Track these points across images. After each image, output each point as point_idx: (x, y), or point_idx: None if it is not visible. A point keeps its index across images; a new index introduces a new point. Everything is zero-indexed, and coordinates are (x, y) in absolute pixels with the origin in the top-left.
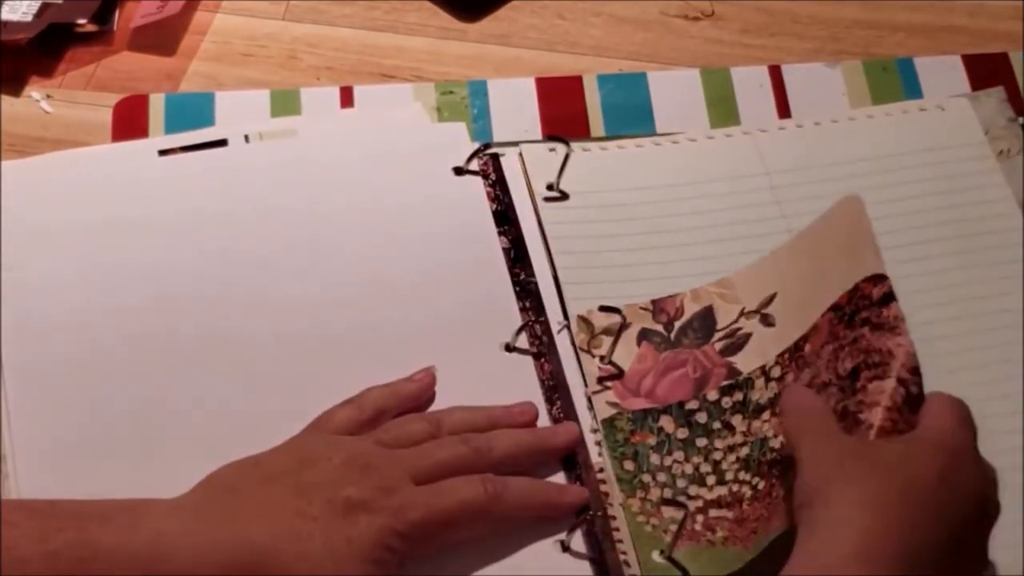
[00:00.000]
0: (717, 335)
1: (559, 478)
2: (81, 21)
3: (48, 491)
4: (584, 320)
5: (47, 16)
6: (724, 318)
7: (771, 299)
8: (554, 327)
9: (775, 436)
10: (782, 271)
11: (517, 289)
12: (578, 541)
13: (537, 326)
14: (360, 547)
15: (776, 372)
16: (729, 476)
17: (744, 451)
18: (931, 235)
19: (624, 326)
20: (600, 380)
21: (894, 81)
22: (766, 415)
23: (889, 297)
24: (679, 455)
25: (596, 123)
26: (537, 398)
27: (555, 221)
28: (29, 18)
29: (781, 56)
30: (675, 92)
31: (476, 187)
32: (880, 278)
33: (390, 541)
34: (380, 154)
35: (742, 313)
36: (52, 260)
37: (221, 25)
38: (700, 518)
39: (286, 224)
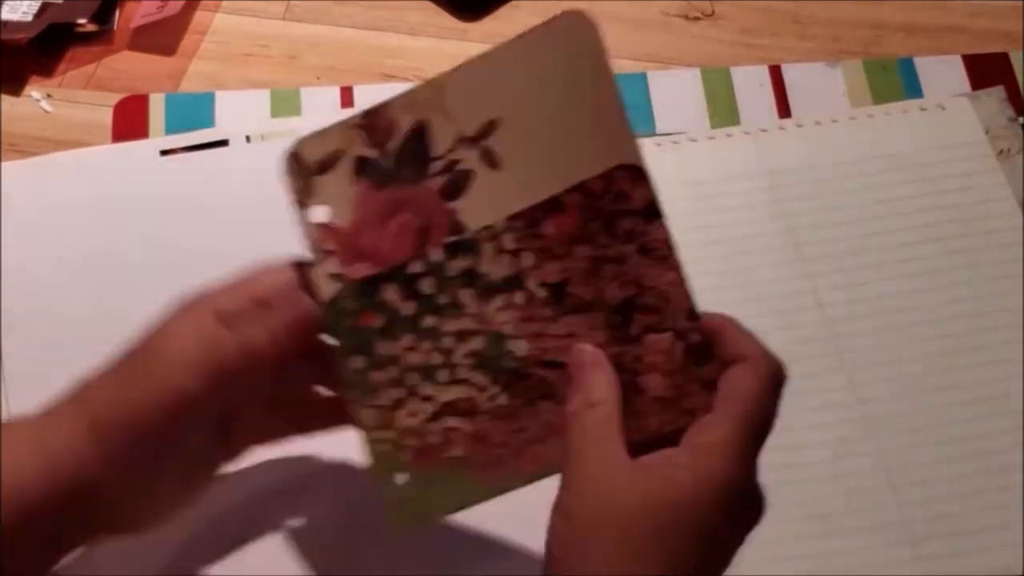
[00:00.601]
0: (433, 167)
1: None
2: (81, 21)
3: None
4: (294, 157)
5: (47, 16)
6: (440, 142)
7: (491, 127)
8: None
9: (515, 337)
10: (501, 89)
11: None
12: None
13: None
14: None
15: (509, 243)
16: (462, 373)
17: (477, 343)
18: (931, 235)
19: (336, 155)
20: (322, 246)
21: (894, 81)
22: (499, 301)
23: (654, 210)
24: (407, 340)
25: None
26: None
27: None
28: (29, 18)
29: (781, 56)
30: (675, 92)
31: None
32: (638, 173)
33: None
34: None
35: (459, 139)
36: (52, 260)
37: (221, 25)
38: (435, 427)
39: (288, 224)
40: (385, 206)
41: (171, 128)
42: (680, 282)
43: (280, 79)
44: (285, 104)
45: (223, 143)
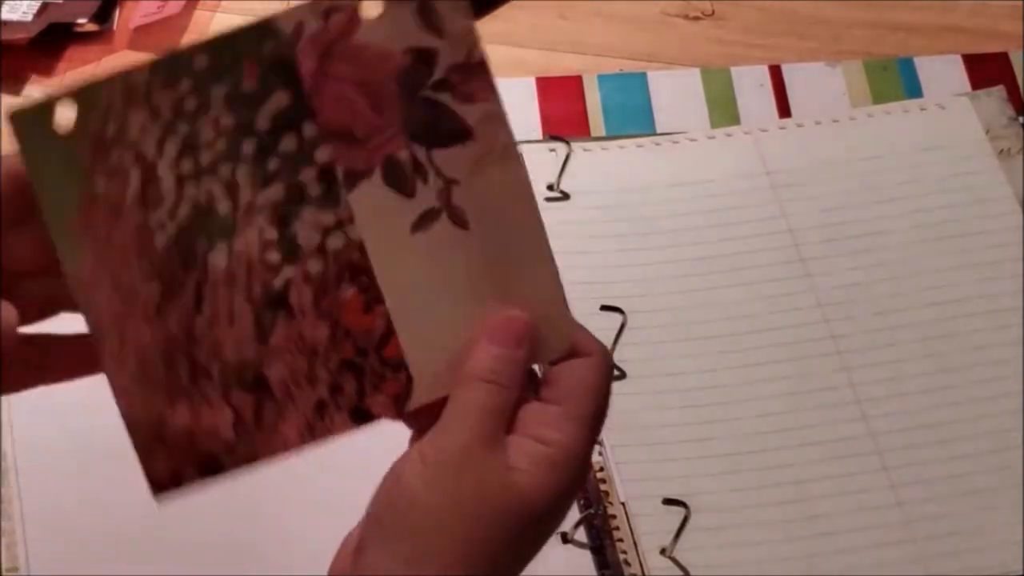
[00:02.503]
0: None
1: None
2: (81, 21)
3: (48, 486)
4: None
5: (47, 16)
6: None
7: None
8: None
9: None
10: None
11: None
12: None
13: None
14: None
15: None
16: None
17: None
18: (931, 234)
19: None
20: None
21: (894, 80)
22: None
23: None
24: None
25: (596, 123)
26: None
27: (555, 221)
28: (29, 18)
29: (781, 56)
30: (675, 92)
31: None
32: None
33: None
34: None
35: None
36: None
37: (221, 25)
38: None
39: None
40: None
41: None
42: None
43: None
44: None
45: None
